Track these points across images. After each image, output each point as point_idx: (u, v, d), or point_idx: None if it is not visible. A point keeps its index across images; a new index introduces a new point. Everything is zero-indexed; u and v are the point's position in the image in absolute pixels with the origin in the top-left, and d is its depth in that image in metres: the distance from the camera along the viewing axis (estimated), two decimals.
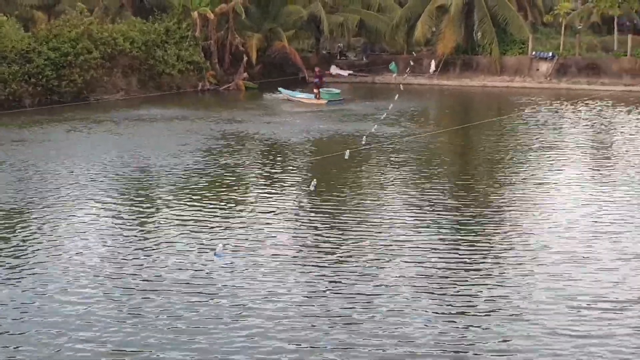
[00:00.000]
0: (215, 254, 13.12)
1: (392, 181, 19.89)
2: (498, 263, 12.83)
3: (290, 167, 22.07)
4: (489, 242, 14.01)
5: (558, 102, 40.30)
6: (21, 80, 37.62)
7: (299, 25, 52.99)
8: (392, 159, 23.03)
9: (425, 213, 16.20)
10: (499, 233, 14.65)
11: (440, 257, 13.03)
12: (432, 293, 11.37)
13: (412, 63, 54.31)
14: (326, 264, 12.74)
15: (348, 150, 22.53)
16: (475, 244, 13.91)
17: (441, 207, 16.72)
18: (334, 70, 55.19)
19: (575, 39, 53.08)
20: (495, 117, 33.55)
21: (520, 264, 12.72)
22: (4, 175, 20.34)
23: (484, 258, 13.04)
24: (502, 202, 17.38)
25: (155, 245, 13.92)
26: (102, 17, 47.31)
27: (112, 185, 19.19)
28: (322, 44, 59.34)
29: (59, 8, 53.26)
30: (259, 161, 23.00)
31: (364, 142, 24.99)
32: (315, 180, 18.64)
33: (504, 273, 12.32)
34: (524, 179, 20.10)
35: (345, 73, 54.89)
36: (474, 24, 52.71)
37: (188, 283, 11.80)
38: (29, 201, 17.29)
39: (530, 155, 23.66)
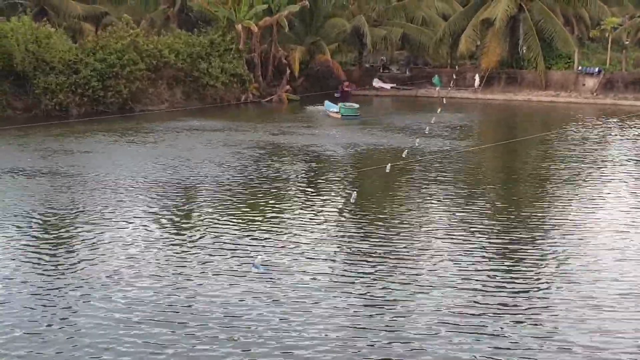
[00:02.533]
0: (253, 266, 13.08)
1: (433, 196, 19.56)
2: (547, 291, 12.08)
3: (331, 179, 22.01)
4: (536, 268, 13.27)
5: (605, 118, 39.60)
6: (68, 90, 38.35)
7: (342, 38, 53.09)
8: (433, 173, 22.77)
9: (468, 232, 15.68)
10: (546, 257, 13.87)
11: (482, 288, 12.14)
12: (474, 329, 10.58)
13: (455, 77, 54.02)
14: (366, 289, 12.13)
15: (389, 164, 22.38)
16: (521, 269, 13.18)
17: (484, 227, 16.12)
18: (376, 83, 55.19)
19: (622, 55, 52.25)
20: (541, 132, 33.01)
21: (581, 298, 11.74)
22: (48, 184, 20.63)
23: (532, 287, 12.30)
24: (549, 224, 16.58)
25: (195, 262, 13.60)
26: (148, 30, 47.96)
27: (152, 196, 19.28)
28: (365, 57, 59.33)
29: (107, 20, 54.18)
30: (301, 173, 22.96)
31: (404, 156, 24.82)
32: (355, 192, 18.53)
33: (555, 304, 11.53)
34: (573, 198, 19.32)
35: (387, 86, 54.83)
36: (519, 38, 52.24)
37: (225, 316, 11.06)
38: (69, 211, 17.47)
39: (578, 174, 22.79)
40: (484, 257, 13.96)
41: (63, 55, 38.62)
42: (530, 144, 29.21)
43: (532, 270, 13.20)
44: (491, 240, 15.14)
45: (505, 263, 13.64)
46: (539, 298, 11.84)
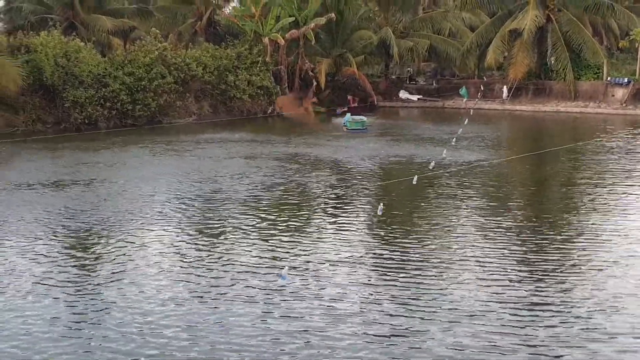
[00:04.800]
0: (280, 276, 13.04)
1: (461, 210, 19.23)
2: (587, 319, 11.37)
3: (358, 191, 21.91)
4: (572, 292, 12.55)
5: (635, 128, 39.07)
6: (97, 104, 38.79)
7: (369, 50, 53.11)
8: (461, 186, 22.52)
9: (499, 251, 15.14)
10: (583, 281, 13.10)
11: (513, 317, 11.46)
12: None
13: (482, 88, 53.77)
14: (393, 302, 11.93)
15: (416, 176, 22.22)
16: (558, 294, 12.42)
17: (515, 245, 15.58)
18: (403, 94, 55.20)
19: None
20: (570, 143, 32.57)
21: (629, 327, 11.04)
22: (78, 196, 20.80)
23: (570, 315, 11.57)
24: (584, 241, 15.84)
25: (219, 280, 13.52)
26: (176, 43, 48.38)
27: (179, 209, 19.33)
28: (392, 69, 59.30)
29: (135, 34, 54.73)
30: (327, 185, 22.87)
31: (431, 167, 24.66)
32: (382, 204, 18.41)
33: (597, 333, 10.87)
34: (605, 213, 18.62)
35: (414, 97, 54.81)
36: (547, 49, 51.84)
37: (249, 338, 10.74)
38: (99, 225, 17.58)
39: (611, 184, 22.28)
40: (516, 280, 13.24)
41: (92, 69, 39.06)
42: (560, 155, 28.82)
43: (568, 295, 12.42)
44: (524, 260, 14.49)
45: (540, 286, 12.86)
46: (581, 329, 11.00)
